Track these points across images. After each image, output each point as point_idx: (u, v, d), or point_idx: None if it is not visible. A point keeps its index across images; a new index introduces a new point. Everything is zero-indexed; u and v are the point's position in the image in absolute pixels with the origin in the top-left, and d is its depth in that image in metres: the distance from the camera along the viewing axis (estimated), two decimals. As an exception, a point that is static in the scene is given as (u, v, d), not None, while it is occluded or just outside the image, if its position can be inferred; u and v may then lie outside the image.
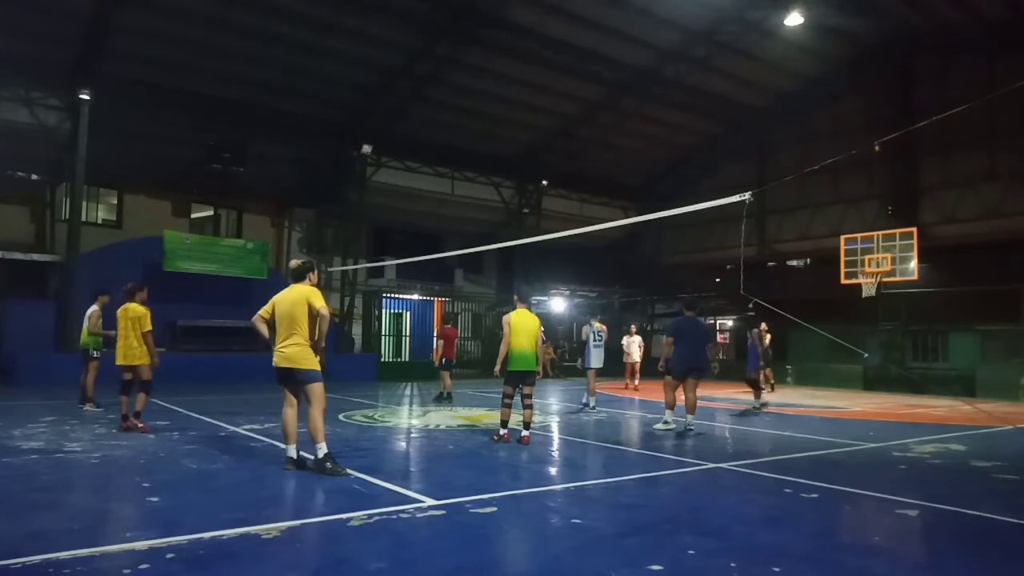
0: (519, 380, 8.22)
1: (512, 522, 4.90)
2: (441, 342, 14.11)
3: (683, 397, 9.56)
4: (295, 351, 6.11)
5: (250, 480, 6.11)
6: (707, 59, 19.93)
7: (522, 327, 8.16)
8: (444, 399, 13.23)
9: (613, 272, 27.81)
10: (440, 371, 13.87)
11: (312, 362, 6.14)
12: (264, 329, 6.33)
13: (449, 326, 14.58)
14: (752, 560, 4.03)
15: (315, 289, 6.28)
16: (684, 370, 9.56)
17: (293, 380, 6.21)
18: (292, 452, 6.32)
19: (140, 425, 8.34)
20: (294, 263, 6.60)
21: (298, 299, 6.17)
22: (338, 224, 21.63)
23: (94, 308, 10.14)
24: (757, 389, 12.76)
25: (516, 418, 8.47)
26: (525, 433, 8.16)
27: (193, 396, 11.90)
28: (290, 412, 6.31)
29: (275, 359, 6.23)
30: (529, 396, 8.26)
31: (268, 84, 18.27)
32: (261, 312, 6.35)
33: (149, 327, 8.34)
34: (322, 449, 6.09)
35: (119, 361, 8.35)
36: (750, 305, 10.71)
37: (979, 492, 6.24)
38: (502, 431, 8.23)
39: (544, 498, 5.65)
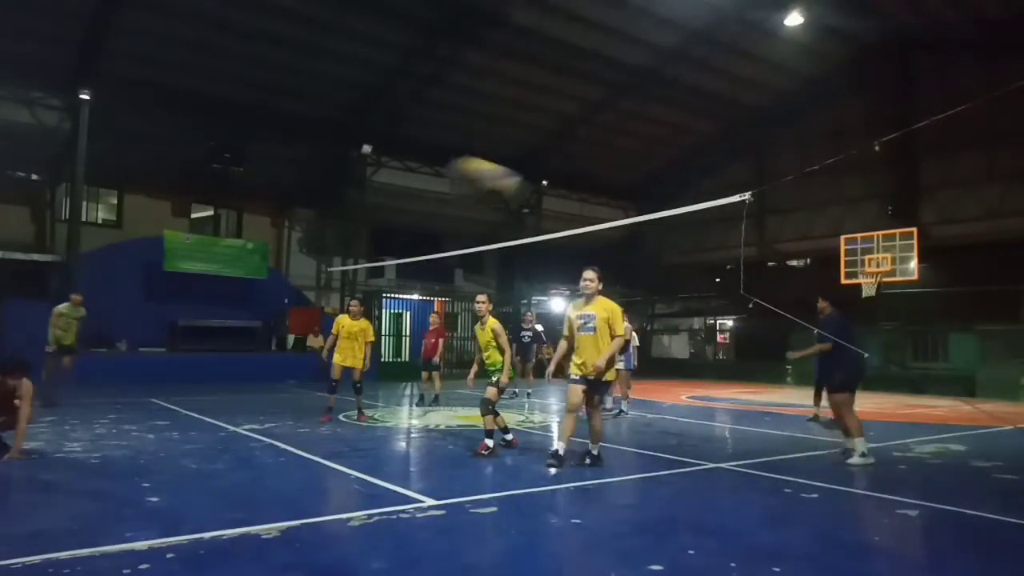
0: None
1: (512, 522, 4.91)
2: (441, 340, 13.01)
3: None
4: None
5: (250, 480, 6.12)
6: (707, 59, 19.92)
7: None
8: (434, 401, 12.42)
9: (613, 272, 27.74)
10: (432, 371, 12.79)
11: None
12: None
13: (438, 325, 13.25)
14: (752, 560, 4.04)
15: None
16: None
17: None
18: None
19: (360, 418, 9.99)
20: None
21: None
22: (338, 224, 21.61)
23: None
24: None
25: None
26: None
27: (193, 396, 11.90)
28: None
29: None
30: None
31: (268, 84, 18.26)
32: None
33: (333, 332, 9.87)
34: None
35: None
36: (750, 305, 10.67)
37: (979, 492, 6.24)
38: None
39: (544, 498, 5.66)
